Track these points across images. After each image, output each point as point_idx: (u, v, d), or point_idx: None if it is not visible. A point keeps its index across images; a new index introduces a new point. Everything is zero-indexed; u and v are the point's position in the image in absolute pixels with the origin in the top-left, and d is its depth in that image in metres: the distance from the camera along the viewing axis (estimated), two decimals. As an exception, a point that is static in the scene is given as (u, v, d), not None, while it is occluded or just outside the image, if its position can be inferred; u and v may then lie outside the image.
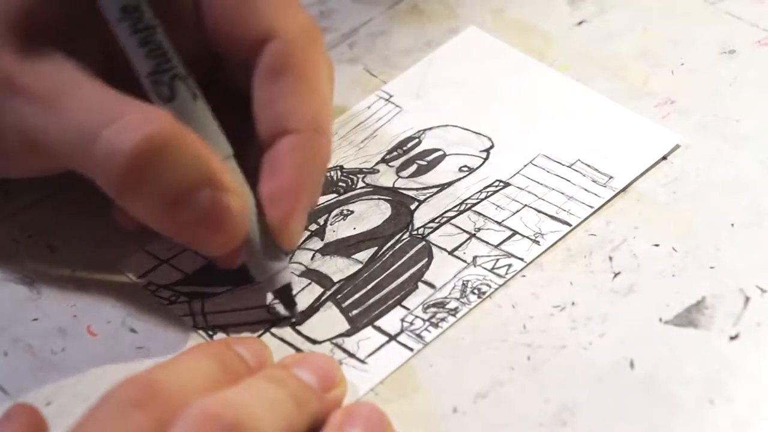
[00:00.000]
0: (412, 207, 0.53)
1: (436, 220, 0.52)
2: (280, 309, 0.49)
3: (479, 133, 0.55)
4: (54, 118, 0.46)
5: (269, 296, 0.50)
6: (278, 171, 0.48)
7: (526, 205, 0.52)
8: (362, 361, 0.47)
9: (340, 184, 0.54)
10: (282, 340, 0.48)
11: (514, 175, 0.53)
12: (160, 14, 0.47)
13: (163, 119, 0.45)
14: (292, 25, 0.49)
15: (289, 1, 0.50)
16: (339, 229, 0.52)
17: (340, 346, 0.48)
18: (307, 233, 0.52)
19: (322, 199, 0.53)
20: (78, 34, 0.48)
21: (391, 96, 0.57)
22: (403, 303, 0.49)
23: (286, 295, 0.49)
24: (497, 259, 0.50)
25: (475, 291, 0.49)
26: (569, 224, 0.51)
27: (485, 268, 0.50)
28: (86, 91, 0.46)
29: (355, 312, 0.49)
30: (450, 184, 0.53)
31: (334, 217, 0.53)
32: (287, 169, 0.48)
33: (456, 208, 0.52)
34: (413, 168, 0.54)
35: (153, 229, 0.47)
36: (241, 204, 0.47)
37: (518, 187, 0.53)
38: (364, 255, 0.51)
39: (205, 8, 0.49)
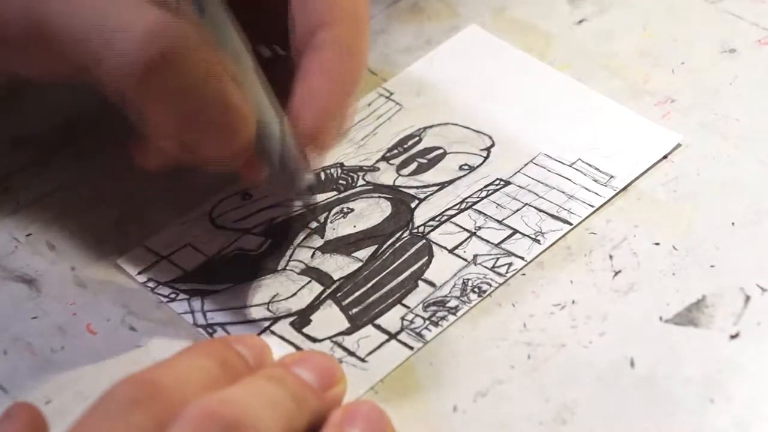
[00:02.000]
0: (413, 205, 0.53)
1: (437, 219, 0.52)
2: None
3: (480, 132, 0.55)
4: (72, 8, 0.45)
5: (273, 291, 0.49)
6: (315, 66, 0.47)
7: (526, 204, 0.52)
8: (362, 360, 0.47)
9: (340, 181, 0.54)
10: (282, 338, 0.48)
11: (515, 173, 0.53)
12: None
13: (177, 25, 0.45)
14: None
15: None
16: (339, 227, 0.52)
17: (340, 345, 0.48)
18: (307, 231, 0.52)
19: (322, 197, 0.53)
20: None
21: (391, 94, 0.57)
22: (404, 301, 0.49)
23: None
24: (497, 258, 0.50)
25: (476, 289, 0.49)
26: (570, 223, 0.51)
27: (485, 267, 0.50)
28: None
29: (355, 310, 0.49)
30: (450, 182, 0.53)
31: (334, 215, 0.53)
32: (326, 62, 0.47)
33: (456, 207, 0.52)
34: (414, 166, 0.54)
35: (169, 169, 0.47)
36: (248, 102, 0.46)
37: (519, 186, 0.53)
38: (364, 253, 0.51)
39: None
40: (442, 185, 0.53)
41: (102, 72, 0.46)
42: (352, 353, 0.48)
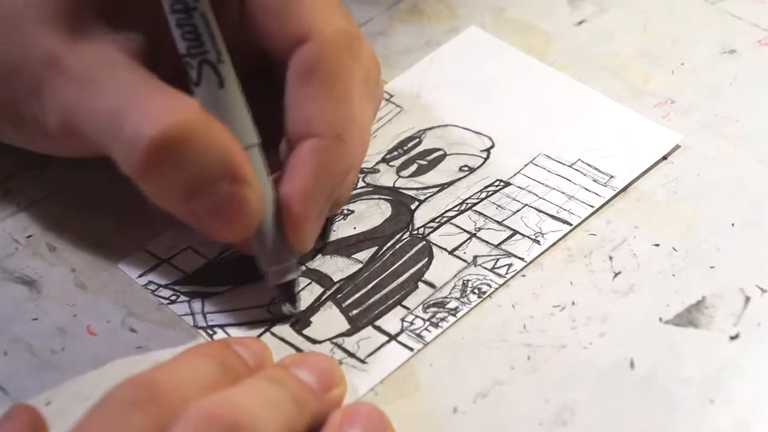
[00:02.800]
0: (413, 207, 0.53)
1: (437, 220, 0.52)
2: (282, 307, 0.49)
3: (480, 133, 0.55)
4: (89, 99, 0.46)
5: (273, 293, 0.50)
6: (296, 174, 0.48)
7: (526, 205, 0.52)
8: (362, 361, 0.47)
9: (340, 183, 0.54)
10: (282, 339, 0.48)
11: (515, 174, 0.53)
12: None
13: (188, 108, 0.45)
14: (328, 29, 0.48)
15: (330, 4, 0.49)
16: (339, 229, 0.52)
17: (340, 346, 0.48)
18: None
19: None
20: (128, 21, 0.49)
21: (391, 96, 0.57)
22: (404, 303, 0.49)
23: (289, 291, 0.49)
24: (497, 259, 0.50)
25: (476, 291, 0.49)
26: (570, 224, 0.51)
27: (485, 268, 0.50)
28: (123, 74, 0.47)
29: (355, 312, 0.49)
30: (450, 183, 0.53)
31: (334, 217, 0.53)
32: (304, 173, 0.47)
33: (456, 208, 0.52)
34: (414, 168, 0.54)
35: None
36: (258, 198, 0.46)
37: (519, 187, 0.53)
38: (364, 255, 0.51)
39: (248, 3, 0.49)
40: (442, 186, 0.53)
41: (114, 157, 0.46)
42: (352, 354, 0.48)
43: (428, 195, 0.53)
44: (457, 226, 0.52)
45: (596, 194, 0.52)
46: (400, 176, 0.54)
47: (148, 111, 0.45)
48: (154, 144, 0.44)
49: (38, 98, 0.48)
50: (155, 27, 0.49)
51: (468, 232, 0.51)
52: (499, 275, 0.50)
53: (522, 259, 0.50)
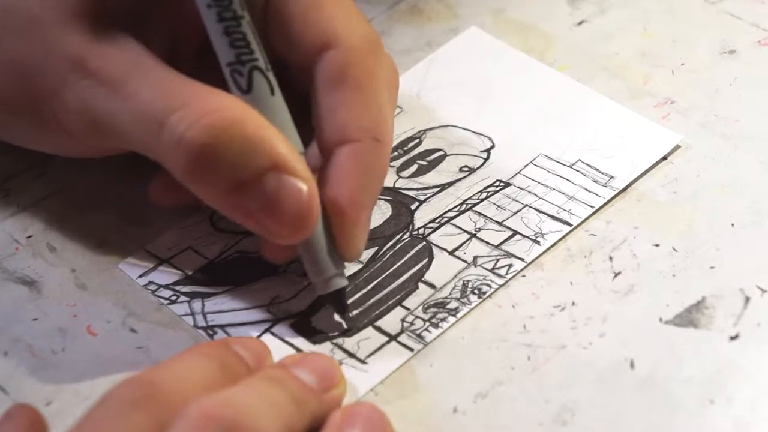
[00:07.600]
0: (413, 207, 0.53)
1: (437, 220, 0.52)
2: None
3: (480, 134, 0.55)
4: (122, 101, 0.46)
5: (273, 293, 0.49)
6: (342, 180, 0.47)
7: (526, 205, 0.52)
8: (362, 361, 0.47)
9: (340, 184, 0.54)
10: (282, 340, 0.48)
11: (515, 175, 0.53)
12: None
13: (228, 105, 0.45)
14: (352, 35, 0.49)
15: (351, 11, 0.50)
16: (339, 229, 0.52)
17: (340, 346, 0.48)
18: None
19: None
20: (147, 21, 0.49)
21: (391, 96, 0.57)
22: (404, 303, 0.49)
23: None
24: (497, 259, 0.50)
25: (476, 291, 0.49)
26: (570, 224, 0.51)
27: (485, 268, 0.50)
28: (155, 75, 0.46)
29: (355, 312, 0.49)
30: (450, 184, 0.54)
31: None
32: (351, 178, 0.47)
33: (456, 209, 0.52)
34: (414, 168, 0.54)
35: (185, 207, 0.47)
36: (312, 190, 0.46)
37: (519, 187, 0.53)
38: (364, 255, 0.51)
39: (272, 11, 0.49)
40: (443, 187, 0.53)
41: (154, 157, 0.46)
42: (352, 355, 0.48)
43: (428, 195, 0.53)
44: (457, 227, 0.52)
45: (596, 195, 0.52)
46: (400, 177, 0.54)
47: (187, 111, 0.45)
48: (196, 144, 0.44)
49: (59, 99, 0.48)
50: (173, 29, 0.49)
51: (468, 232, 0.51)
52: (499, 276, 0.50)
53: (522, 259, 0.50)
